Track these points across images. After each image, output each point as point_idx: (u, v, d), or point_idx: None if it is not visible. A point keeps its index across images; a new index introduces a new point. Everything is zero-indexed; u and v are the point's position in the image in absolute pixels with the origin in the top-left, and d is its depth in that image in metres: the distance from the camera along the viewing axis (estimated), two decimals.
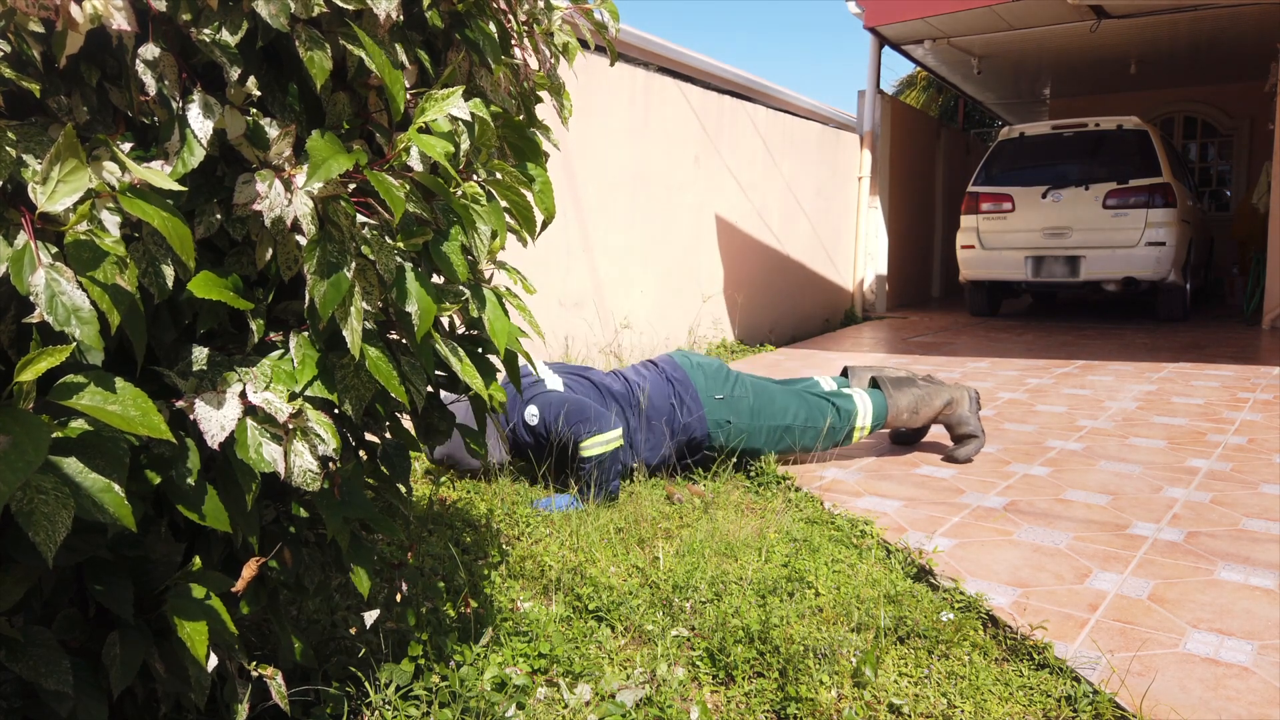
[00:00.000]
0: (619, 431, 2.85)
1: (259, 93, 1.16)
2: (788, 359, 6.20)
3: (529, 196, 1.45)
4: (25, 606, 1.11)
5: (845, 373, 3.50)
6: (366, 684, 1.59)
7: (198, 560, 1.20)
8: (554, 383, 2.98)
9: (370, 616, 1.56)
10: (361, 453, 1.46)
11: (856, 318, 8.94)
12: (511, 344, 1.40)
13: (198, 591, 1.16)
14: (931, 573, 2.26)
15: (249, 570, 1.23)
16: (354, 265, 1.14)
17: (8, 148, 0.96)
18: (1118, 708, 1.65)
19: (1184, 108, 11.81)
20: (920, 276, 10.90)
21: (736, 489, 3.00)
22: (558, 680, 1.75)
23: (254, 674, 1.30)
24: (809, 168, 8.13)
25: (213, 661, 1.19)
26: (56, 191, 0.91)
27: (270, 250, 1.15)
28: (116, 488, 0.93)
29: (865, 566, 2.30)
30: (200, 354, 1.14)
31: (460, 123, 1.29)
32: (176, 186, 1.00)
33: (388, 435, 1.48)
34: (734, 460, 3.17)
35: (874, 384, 3.39)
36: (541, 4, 1.56)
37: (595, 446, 2.80)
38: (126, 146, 1.08)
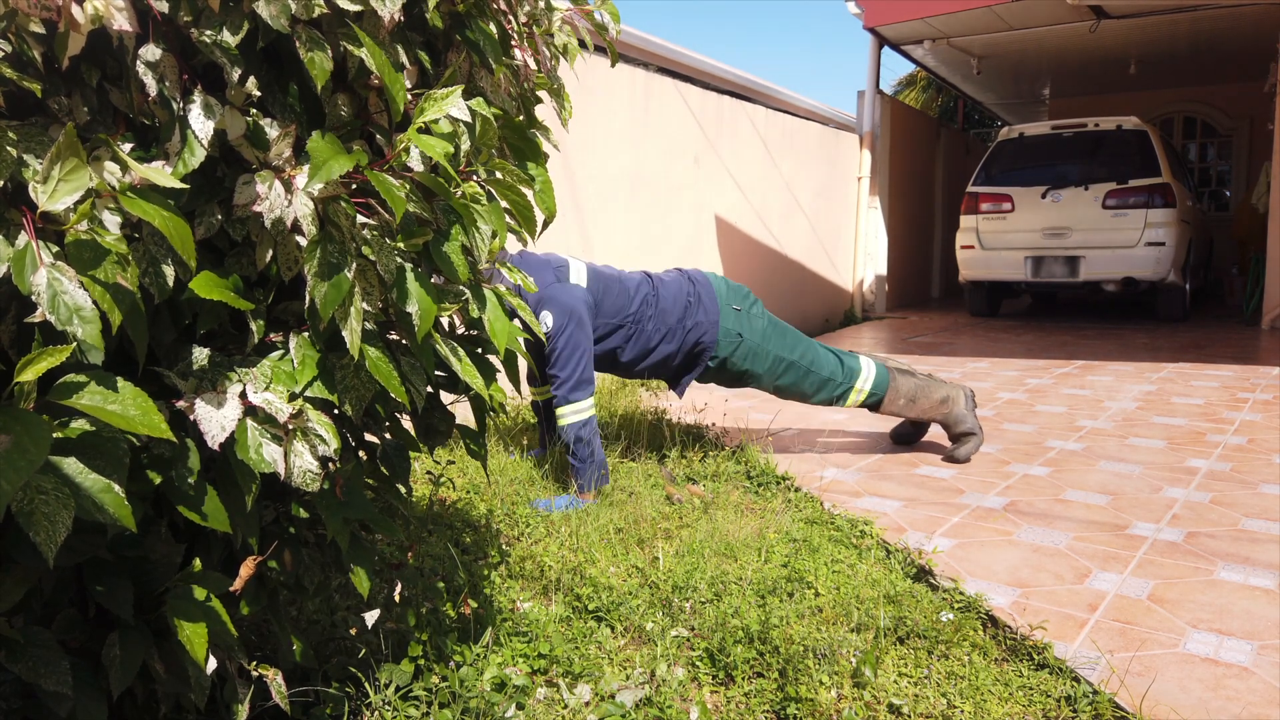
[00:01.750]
0: (591, 401, 2.90)
1: (259, 93, 1.16)
2: None
3: (529, 195, 1.45)
4: (25, 607, 1.11)
5: None
6: (366, 684, 1.59)
7: (198, 562, 1.20)
8: (577, 274, 3.00)
9: (370, 617, 1.56)
10: (361, 453, 1.46)
11: (856, 318, 8.94)
12: (511, 344, 1.41)
13: (198, 593, 1.16)
14: (931, 573, 2.26)
15: (246, 569, 1.23)
16: (354, 266, 1.14)
17: (9, 148, 0.96)
18: (1117, 708, 1.65)
19: (1183, 108, 11.81)
20: (920, 277, 10.90)
21: (736, 489, 3.00)
22: (557, 680, 1.75)
23: (254, 674, 1.30)
24: (809, 168, 8.13)
25: (212, 663, 1.19)
26: (57, 191, 0.91)
27: (270, 251, 1.15)
28: (116, 488, 0.93)
29: (865, 567, 2.30)
30: (200, 354, 1.14)
31: (460, 123, 1.29)
32: (179, 185, 1.00)
33: (388, 436, 1.48)
34: (732, 460, 3.17)
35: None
36: (542, 5, 1.56)
37: (572, 414, 2.86)
38: (127, 147, 1.08)
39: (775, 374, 3.20)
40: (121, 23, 0.99)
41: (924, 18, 8.21)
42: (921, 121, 10.77)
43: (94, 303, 0.92)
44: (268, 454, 1.11)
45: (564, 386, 2.86)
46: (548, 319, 2.91)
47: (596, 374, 3.16)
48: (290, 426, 1.13)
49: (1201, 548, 2.45)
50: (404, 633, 1.77)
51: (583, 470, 2.85)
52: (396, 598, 1.73)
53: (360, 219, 1.19)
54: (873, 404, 3.32)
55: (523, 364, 3.28)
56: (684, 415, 4.04)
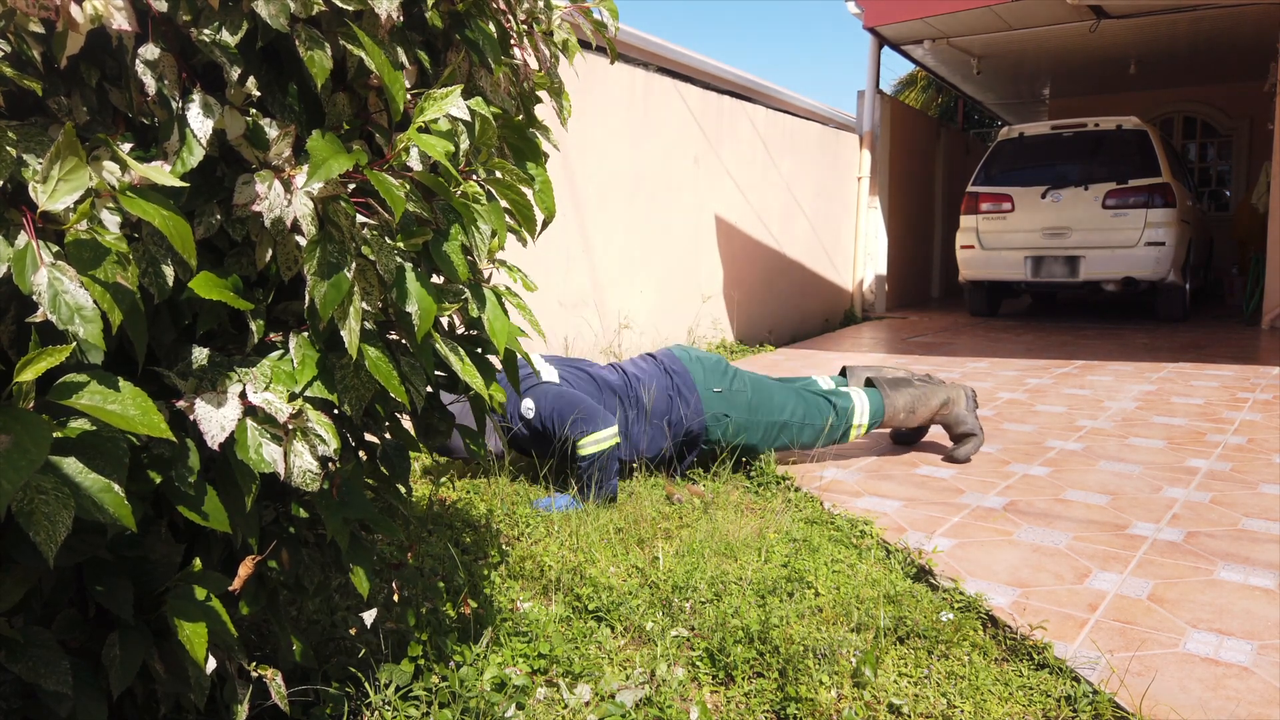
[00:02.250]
0: (615, 429, 2.85)
1: (259, 93, 1.16)
2: (787, 359, 6.20)
3: (529, 195, 1.45)
4: (25, 607, 1.11)
5: (843, 372, 3.50)
6: (366, 684, 1.59)
7: (198, 562, 1.20)
8: (550, 375, 2.98)
9: (369, 616, 1.56)
10: (361, 453, 1.46)
11: (856, 318, 8.94)
12: (511, 344, 1.40)
13: (198, 593, 1.16)
14: (931, 573, 2.26)
15: (245, 569, 1.23)
16: (354, 265, 1.14)
17: (8, 147, 0.96)
18: (1117, 708, 1.65)
19: (1183, 108, 11.82)
20: (920, 277, 10.90)
21: (736, 489, 3.00)
22: (557, 680, 1.75)
23: (254, 674, 1.30)
24: (808, 168, 8.13)
25: (211, 663, 1.19)
26: (57, 190, 0.91)
27: (270, 251, 1.15)
28: (116, 488, 0.93)
29: (865, 567, 2.30)
30: (200, 354, 1.14)
31: (460, 122, 1.29)
32: (178, 183, 1.00)
33: (387, 435, 1.48)
34: (733, 460, 3.17)
35: (869, 384, 3.39)
36: (541, 3, 1.56)
37: (591, 445, 2.80)
38: (126, 147, 1.08)
39: (771, 439, 3.20)
40: (120, 22, 0.99)
41: (924, 18, 8.21)
42: (921, 121, 10.77)
43: (94, 302, 0.92)
44: (268, 454, 1.11)
45: (577, 429, 2.81)
46: (530, 406, 2.89)
47: None
48: (290, 426, 1.13)
49: (1201, 547, 2.45)
50: (404, 633, 1.77)
51: (588, 486, 2.82)
52: (395, 598, 1.73)
53: (360, 219, 1.19)
54: (875, 427, 3.34)
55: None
56: None
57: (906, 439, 3.62)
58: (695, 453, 3.19)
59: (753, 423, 3.14)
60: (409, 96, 1.29)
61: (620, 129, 5.75)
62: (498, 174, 1.39)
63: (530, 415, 2.89)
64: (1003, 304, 9.26)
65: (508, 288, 1.49)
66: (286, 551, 1.36)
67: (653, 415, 3.05)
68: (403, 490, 1.53)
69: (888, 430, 3.68)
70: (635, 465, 3.12)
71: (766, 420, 3.16)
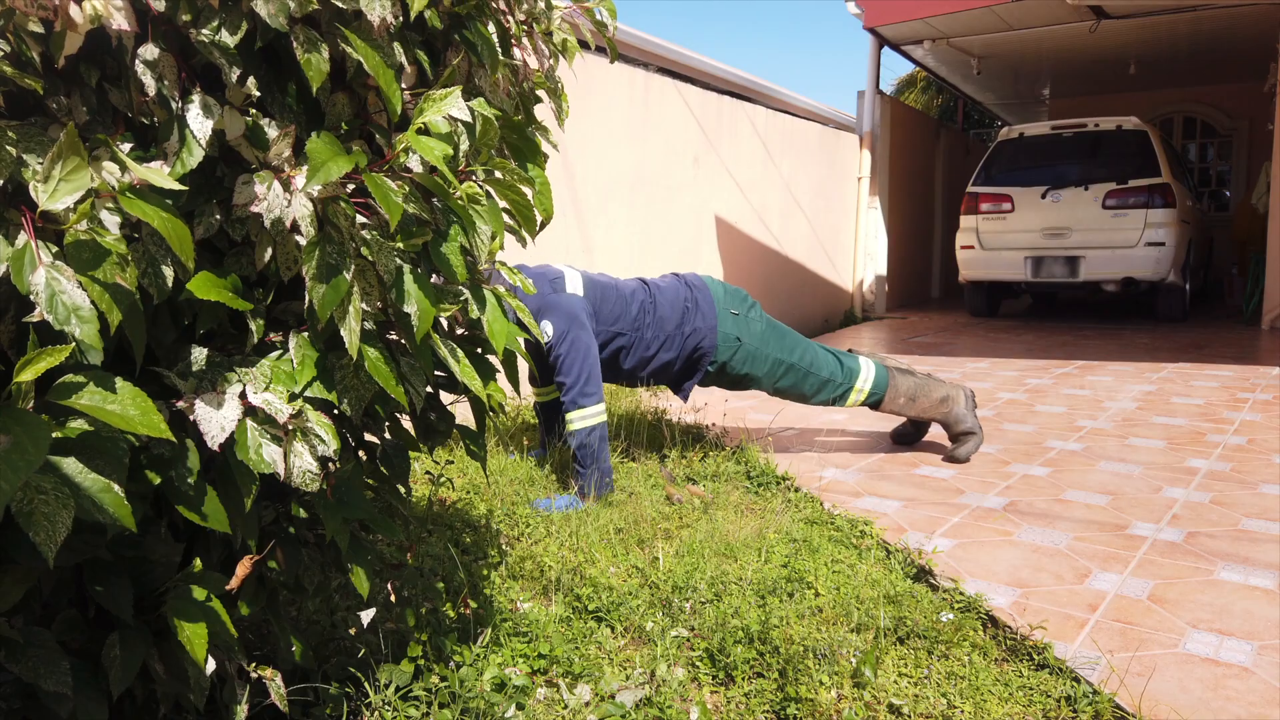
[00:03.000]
0: (603, 405, 2.89)
1: (258, 93, 1.16)
2: None
3: (529, 194, 1.45)
4: (25, 607, 1.11)
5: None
6: (366, 684, 1.59)
7: (198, 562, 1.20)
8: (574, 284, 2.99)
9: (367, 615, 1.55)
10: (361, 453, 1.46)
11: (856, 318, 8.94)
12: (510, 344, 1.40)
13: (198, 593, 1.16)
14: (931, 573, 2.26)
15: (242, 568, 1.23)
16: (353, 266, 1.14)
17: (8, 147, 0.96)
18: (1117, 708, 1.65)
19: (1183, 108, 11.81)
20: (920, 277, 10.90)
21: (736, 489, 3.00)
22: (557, 681, 1.75)
23: (253, 675, 1.30)
24: (808, 168, 8.13)
25: (211, 664, 1.19)
26: (58, 190, 0.91)
27: (269, 251, 1.15)
28: (116, 488, 0.93)
29: (865, 567, 2.30)
30: (200, 354, 1.14)
31: (459, 123, 1.29)
32: (177, 186, 1.00)
33: (387, 436, 1.48)
34: (732, 460, 3.17)
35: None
36: (541, 4, 1.56)
37: (580, 420, 2.85)
38: (126, 147, 1.08)
39: (775, 376, 3.21)
40: (120, 22, 0.99)
41: (924, 18, 8.21)
42: (921, 121, 10.77)
43: (92, 303, 0.92)
44: (267, 454, 1.11)
45: (571, 391, 2.86)
46: (548, 327, 2.90)
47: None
48: (290, 427, 1.13)
49: (1201, 548, 2.45)
50: (404, 633, 1.77)
51: (585, 475, 2.84)
52: (392, 598, 1.73)
53: (359, 219, 1.19)
54: (873, 403, 3.33)
55: (523, 365, 3.28)
56: (684, 415, 4.04)
57: (906, 439, 3.62)
58: (698, 375, 3.20)
59: (761, 354, 3.17)
60: (409, 97, 1.29)
61: (620, 129, 5.75)
62: (497, 174, 1.39)
63: (547, 337, 2.91)
64: (1003, 304, 9.26)
65: (507, 289, 1.49)
66: (286, 551, 1.36)
67: (665, 322, 3.08)
68: (402, 490, 1.53)
69: (886, 421, 3.68)
70: (642, 377, 3.14)
71: (775, 355, 3.18)
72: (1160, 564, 2.33)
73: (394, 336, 1.33)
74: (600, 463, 2.86)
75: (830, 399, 3.28)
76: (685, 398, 3.27)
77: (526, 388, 4.36)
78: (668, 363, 3.13)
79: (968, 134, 13.12)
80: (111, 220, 0.99)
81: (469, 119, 1.27)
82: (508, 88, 1.49)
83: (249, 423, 1.10)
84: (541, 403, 3.38)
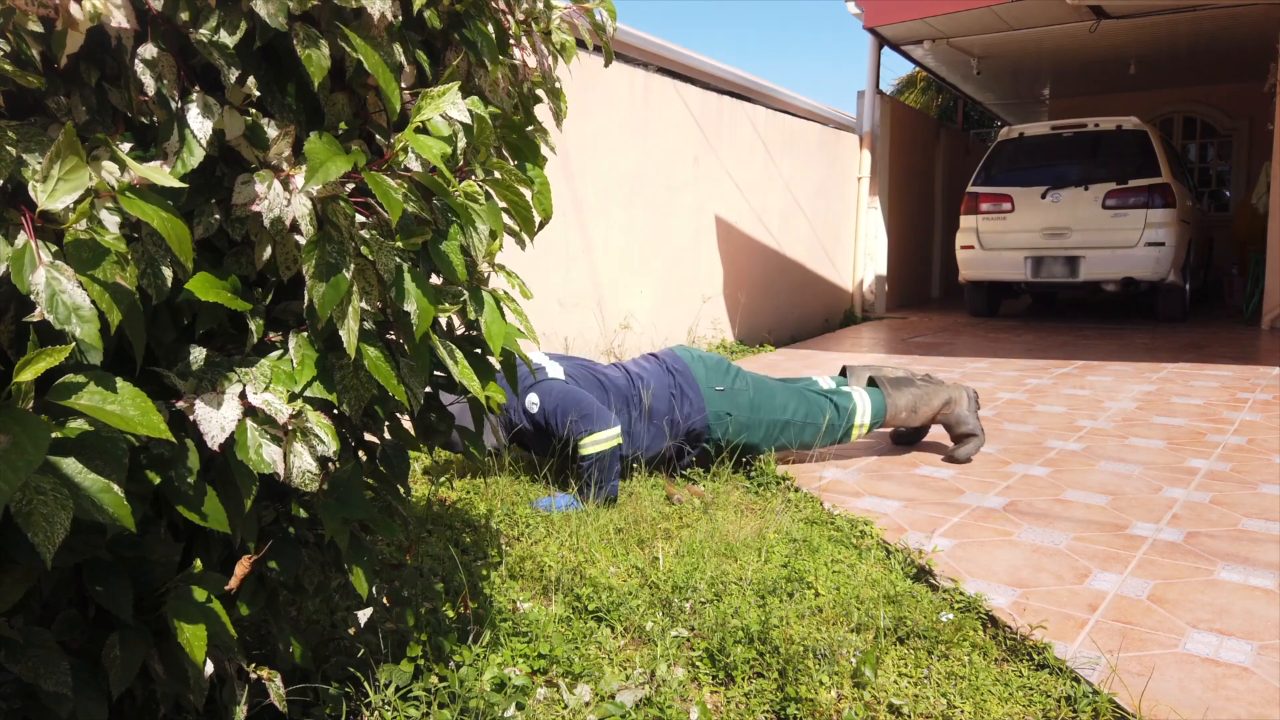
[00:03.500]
0: (618, 429, 2.85)
1: (258, 93, 1.16)
2: (787, 359, 6.20)
3: (528, 195, 1.45)
4: (25, 607, 1.10)
5: (844, 372, 3.50)
6: (366, 684, 1.59)
7: (199, 563, 1.20)
8: (555, 371, 2.98)
9: (364, 615, 1.55)
10: (361, 453, 1.46)
11: (856, 318, 8.94)
12: (509, 345, 1.40)
13: (198, 594, 1.16)
14: (931, 573, 2.26)
15: (241, 568, 1.23)
16: (353, 265, 1.14)
17: (8, 147, 0.96)
18: (1117, 708, 1.65)
19: (1183, 108, 11.82)
20: (920, 277, 10.90)
21: (736, 489, 3.00)
22: (557, 681, 1.75)
23: (252, 676, 1.30)
24: (808, 168, 8.13)
25: (210, 665, 1.19)
26: (57, 190, 0.91)
27: (269, 250, 1.15)
28: (116, 488, 0.93)
29: (865, 567, 2.30)
30: (199, 354, 1.13)
31: (458, 122, 1.29)
32: (178, 184, 1.00)
33: (387, 435, 1.48)
34: (733, 460, 3.17)
35: (871, 383, 3.39)
36: (540, 4, 1.56)
37: (593, 445, 2.80)
38: (126, 147, 1.08)
39: (773, 438, 3.20)
40: (120, 20, 0.99)
41: (924, 18, 8.21)
42: (921, 122, 10.77)
43: (92, 302, 0.92)
44: (267, 454, 1.10)
45: (578, 429, 2.80)
46: (535, 401, 2.88)
47: None
48: (290, 427, 1.13)
49: (1201, 548, 2.45)
50: (403, 633, 1.77)
51: (589, 481, 2.82)
52: (385, 601, 1.73)
53: (359, 218, 1.19)
54: (877, 427, 3.34)
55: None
56: None
57: (907, 439, 3.62)
58: (696, 451, 3.18)
59: (754, 421, 3.15)
60: (408, 96, 1.29)
61: (620, 129, 5.75)
62: (496, 174, 1.39)
63: (534, 410, 2.89)
64: (1002, 304, 9.26)
65: (505, 292, 1.49)
66: (286, 551, 1.36)
67: (655, 414, 3.06)
68: (402, 490, 1.53)
69: (888, 430, 3.67)
70: (636, 465, 3.11)
71: (768, 419, 3.16)
72: (1160, 564, 2.33)
73: (393, 336, 1.33)
74: (608, 484, 2.81)
75: (834, 440, 3.29)
76: (683, 471, 3.22)
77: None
78: (661, 450, 3.11)
79: (968, 134, 13.12)
80: (111, 220, 0.99)
81: (467, 119, 1.27)
82: (507, 87, 1.49)
83: (249, 423, 1.10)
84: None
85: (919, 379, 3.43)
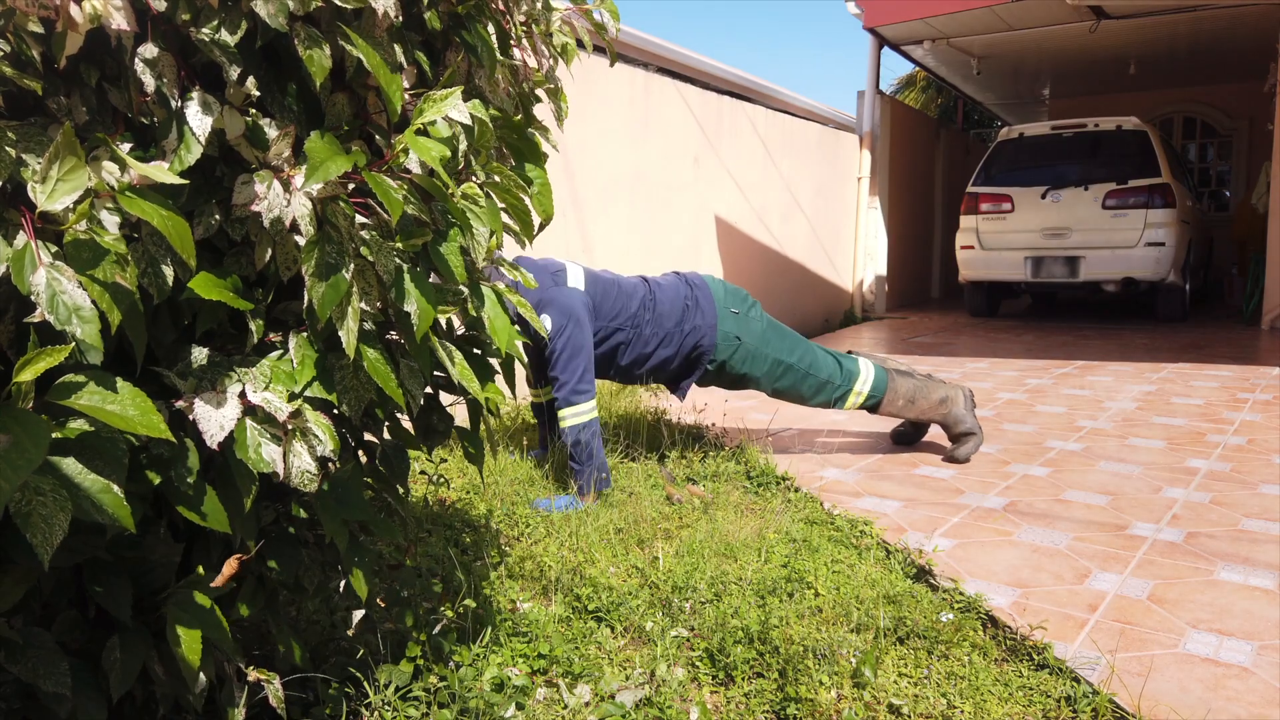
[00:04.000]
0: (593, 403, 2.90)
1: (258, 93, 1.16)
2: None
3: (527, 199, 1.45)
4: (25, 608, 1.11)
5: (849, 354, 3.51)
6: (365, 685, 1.59)
7: (201, 569, 1.20)
8: (575, 279, 3.00)
9: (356, 615, 1.55)
10: (360, 453, 1.46)
11: (856, 318, 8.94)
12: (510, 347, 1.40)
13: (197, 598, 1.16)
14: (931, 573, 2.26)
15: (229, 567, 1.23)
16: (352, 266, 1.14)
17: (8, 148, 0.96)
18: (1117, 708, 1.65)
19: (1183, 108, 11.81)
20: (920, 277, 10.90)
21: (736, 489, 3.00)
22: (557, 681, 1.75)
23: (251, 677, 1.30)
24: (808, 168, 8.13)
25: (205, 672, 1.19)
26: (56, 190, 0.91)
27: (269, 251, 1.15)
28: (115, 488, 0.93)
29: (865, 567, 2.30)
30: (199, 354, 1.14)
31: (458, 124, 1.29)
32: (178, 180, 1.00)
33: (386, 436, 1.48)
34: (732, 460, 3.17)
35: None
36: (540, 4, 1.56)
37: (571, 417, 2.85)
38: (126, 147, 1.08)
39: (774, 376, 3.20)
40: (120, 22, 0.99)
41: (924, 18, 8.21)
42: (921, 122, 10.77)
43: (93, 302, 0.92)
44: (267, 454, 1.11)
45: (564, 389, 2.86)
46: (547, 320, 2.91)
47: (597, 378, 3.16)
48: (289, 426, 1.13)
49: (1201, 548, 2.45)
50: (403, 633, 1.77)
51: (581, 473, 2.85)
52: (380, 602, 1.73)
53: (359, 219, 1.19)
54: (871, 405, 3.32)
55: (520, 368, 3.27)
56: (684, 415, 4.04)
57: (906, 439, 3.62)
58: (696, 374, 3.19)
59: (761, 354, 3.16)
60: (408, 97, 1.29)
61: (620, 129, 5.75)
62: (496, 177, 1.39)
63: (546, 331, 2.92)
64: (1002, 304, 9.26)
65: (508, 285, 1.49)
66: (285, 552, 1.36)
67: (665, 319, 3.08)
68: (401, 490, 1.53)
69: (887, 422, 3.67)
70: (639, 374, 3.14)
71: (774, 356, 3.17)
72: (1160, 564, 2.33)
73: (393, 337, 1.33)
74: (595, 459, 2.86)
75: (829, 401, 3.28)
76: (682, 397, 3.27)
77: (523, 389, 4.36)
78: (666, 359, 3.12)
79: (968, 134, 13.12)
80: (111, 220, 0.99)
81: (468, 122, 1.27)
82: (507, 88, 1.49)
83: (248, 422, 1.10)
84: (536, 403, 3.39)
85: (919, 375, 3.43)
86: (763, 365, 3.17)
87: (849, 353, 3.51)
